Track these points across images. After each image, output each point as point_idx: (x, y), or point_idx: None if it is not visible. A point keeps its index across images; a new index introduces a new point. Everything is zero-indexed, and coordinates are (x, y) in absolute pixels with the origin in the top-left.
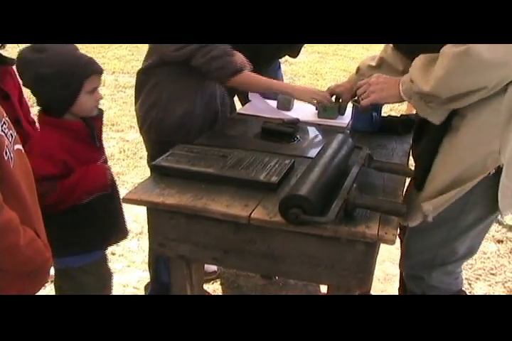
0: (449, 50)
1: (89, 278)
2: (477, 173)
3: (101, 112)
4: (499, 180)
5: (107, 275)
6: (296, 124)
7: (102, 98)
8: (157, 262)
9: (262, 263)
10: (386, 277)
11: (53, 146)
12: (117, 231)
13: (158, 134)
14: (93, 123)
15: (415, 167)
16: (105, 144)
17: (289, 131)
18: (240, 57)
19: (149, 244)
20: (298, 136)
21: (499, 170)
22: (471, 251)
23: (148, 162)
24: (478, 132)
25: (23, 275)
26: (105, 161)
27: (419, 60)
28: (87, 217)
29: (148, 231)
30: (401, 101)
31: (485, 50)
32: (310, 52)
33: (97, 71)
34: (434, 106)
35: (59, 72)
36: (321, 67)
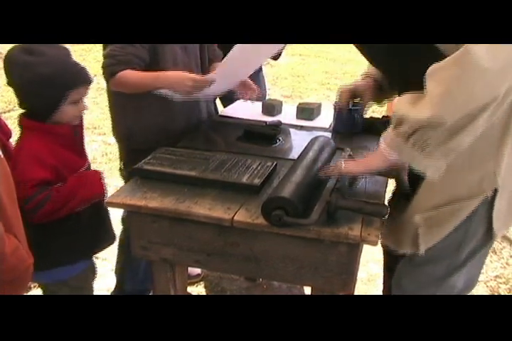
0: (439, 65)
1: (65, 292)
2: (473, 194)
3: (81, 118)
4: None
5: (85, 292)
6: (278, 126)
7: (86, 109)
8: (125, 270)
9: (245, 266)
10: (370, 278)
11: (41, 151)
12: (104, 238)
13: (129, 143)
14: (77, 129)
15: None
16: (87, 147)
17: (271, 133)
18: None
19: (128, 247)
20: (280, 138)
21: (495, 195)
22: (471, 283)
23: (120, 169)
24: (472, 149)
25: (5, 283)
26: (89, 168)
27: (403, 98)
28: (74, 226)
29: (131, 235)
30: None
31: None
32: (291, 54)
33: (86, 81)
34: (432, 152)
35: (46, 79)
36: (302, 69)
